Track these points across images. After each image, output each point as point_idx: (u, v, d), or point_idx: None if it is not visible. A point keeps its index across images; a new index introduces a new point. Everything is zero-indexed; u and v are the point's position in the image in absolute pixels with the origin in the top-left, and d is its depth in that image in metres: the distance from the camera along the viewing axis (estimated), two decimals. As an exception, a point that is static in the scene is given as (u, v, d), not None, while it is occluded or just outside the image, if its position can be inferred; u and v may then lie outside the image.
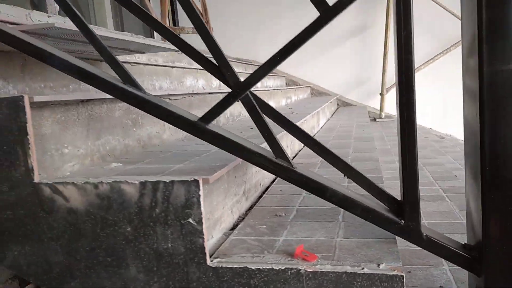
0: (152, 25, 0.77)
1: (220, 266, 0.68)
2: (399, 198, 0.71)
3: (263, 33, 4.99)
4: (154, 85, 1.84)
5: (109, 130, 1.01)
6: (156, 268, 0.70)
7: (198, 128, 0.74)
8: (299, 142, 1.05)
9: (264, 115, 0.75)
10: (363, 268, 0.63)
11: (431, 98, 4.37)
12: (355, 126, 2.59)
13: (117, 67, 0.77)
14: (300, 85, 4.71)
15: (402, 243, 0.97)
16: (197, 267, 0.68)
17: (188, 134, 1.28)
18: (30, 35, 0.81)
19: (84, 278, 0.74)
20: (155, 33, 5.20)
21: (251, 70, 4.70)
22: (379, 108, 4.40)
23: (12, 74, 1.13)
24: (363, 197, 0.72)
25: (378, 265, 0.64)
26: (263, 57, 5.49)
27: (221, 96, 1.37)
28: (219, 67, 0.75)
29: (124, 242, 0.71)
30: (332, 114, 3.73)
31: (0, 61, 1.08)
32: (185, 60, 2.48)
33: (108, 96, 0.95)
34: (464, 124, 0.72)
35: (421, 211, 0.68)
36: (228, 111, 1.84)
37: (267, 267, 0.66)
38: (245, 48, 5.23)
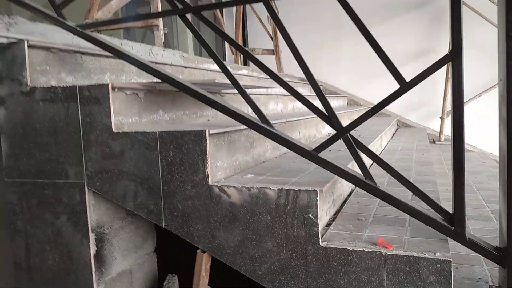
0: (249, 56, 1.18)
1: (328, 246, 1.07)
2: (451, 211, 1.06)
3: (325, 54, 5.36)
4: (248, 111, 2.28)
5: (238, 150, 1.44)
6: (285, 245, 1.11)
7: (313, 155, 1.14)
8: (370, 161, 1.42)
9: (357, 148, 1.14)
10: (424, 254, 0.99)
11: (492, 123, 4.49)
12: (415, 149, 2.89)
13: (256, 109, 1.20)
14: (361, 105, 5.02)
15: (453, 250, 1.31)
16: (313, 246, 1.08)
17: (284, 152, 1.70)
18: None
19: (236, 248, 1.16)
20: (226, 55, 5.77)
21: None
22: (438, 131, 4.60)
23: (165, 106, 1.60)
24: (425, 209, 1.08)
25: (435, 253, 1.00)
26: (326, 76, 5.89)
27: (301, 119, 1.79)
28: (328, 116, 1.15)
29: (265, 226, 1.12)
30: (393, 136, 4.01)
31: (160, 98, 1.56)
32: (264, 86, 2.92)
33: (240, 127, 1.39)
34: (499, 148, 1.04)
35: (467, 223, 1.03)
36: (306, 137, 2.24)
37: (360, 249, 1.04)
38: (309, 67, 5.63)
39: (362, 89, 5.25)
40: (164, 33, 3.03)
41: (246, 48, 5.39)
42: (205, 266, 1.21)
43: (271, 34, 4.92)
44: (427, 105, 5.04)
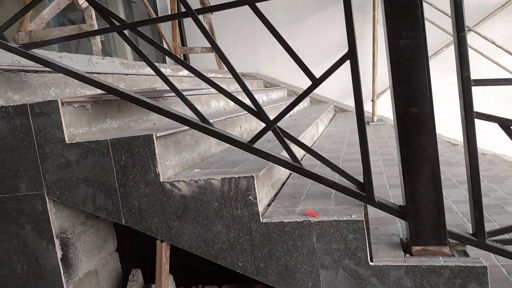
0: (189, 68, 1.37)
1: (268, 222, 1.28)
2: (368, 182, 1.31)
3: (263, 48, 5.60)
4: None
5: (184, 149, 1.61)
6: (232, 225, 1.31)
7: (248, 146, 1.34)
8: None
9: (284, 137, 1.36)
10: (343, 217, 1.23)
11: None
12: (348, 132, 3.20)
13: (195, 110, 1.38)
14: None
15: (374, 214, 1.58)
16: (256, 223, 1.29)
17: (227, 147, 1.89)
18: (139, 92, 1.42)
19: (190, 234, 1.34)
20: (167, 58, 5.82)
21: (256, 83, 5.32)
22: (371, 112, 5.01)
23: (112, 114, 1.73)
24: (343, 182, 1.32)
25: (351, 216, 1.24)
26: (266, 70, 6.16)
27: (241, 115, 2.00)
28: (257, 112, 1.36)
29: (213, 212, 1.31)
30: (330, 121, 4.34)
31: (106, 107, 1.69)
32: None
33: (183, 128, 1.56)
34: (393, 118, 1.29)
35: (390, 191, 1.28)
36: (245, 133, 2.44)
37: (293, 220, 1.26)
38: (246, 62, 5.86)
39: (300, 80, 5.55)
40: (101, 40, 3.10)
41: (185, 47, 5.50)
42: (165, 254, 1.38)
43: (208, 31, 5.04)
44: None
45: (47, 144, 1.40)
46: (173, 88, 1.39)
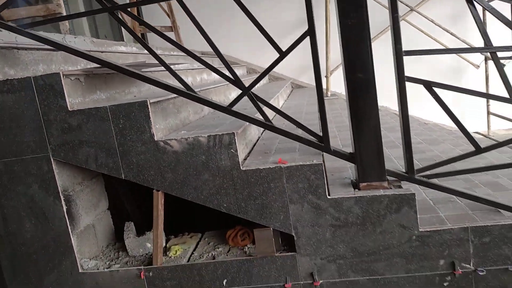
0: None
1: (247, 169, 1.59)
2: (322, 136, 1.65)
3: (222, 27, 5.80)
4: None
5: (169, 115, 1.87)
6: (217, 174, 1.60)
7: (228, 109, 1.63)
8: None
9: (257, 101, 1.66)
10: (306, 162, 1.57)
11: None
12: (305, 104, 3.55)
13: (181, 81, 1.64)
14: (259, 72, 5.62)
15: (332, 165, 1.93)
16: (237, 171, 1.59)
17: (203, 116, 2.17)
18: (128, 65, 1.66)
19: (182, 183, 1.62)
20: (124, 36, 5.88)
21: (216, 61, 5.53)
22: (325, 88, 5.42)
23: (101, 87, 1.95)
24: (306, 136, 1.65)
25: (312, 161, 1.58)
26: (225, 48, 6.36)
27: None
28: (235, 80, 1.65)
29: (201, 163, 1.60)
30: (288, 96, 4.69)
31: (96, 80, 1.91)
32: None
33: (170, 96, 1.82)
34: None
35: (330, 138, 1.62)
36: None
37: (267, 167, 1.58)
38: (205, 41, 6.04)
39: (259, 58, 5.84)
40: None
41: (144, 26, 5.58)
42: (160, 201, 1.66)
43: (167, 11, 5.16)
44: (311, 68, 5.83)
45: (51, 112, 1.61)
46: (162, 62, 1.64)
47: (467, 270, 1.51)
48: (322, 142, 1.62)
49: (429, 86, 1.56)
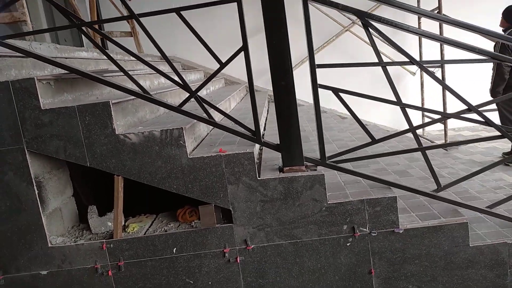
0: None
1: (193, 157, 1.98)
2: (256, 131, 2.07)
3: (179, 32, 6.15)
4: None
5: (128, 114, 2.23)
6: (169, 161, 1.98)
7: (178, 109, 2.02)
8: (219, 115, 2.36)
9: (203, 102, 2.05)
10: (241, 151, 1.98)
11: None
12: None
13: (138, 85, 2.02)
14: (216, 77, 6.01)
15: (265, 158, 2.36)
16: (185, 158, 1.98)
17: (158, 115, 2.56)
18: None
19: (139, 169, 1.99)
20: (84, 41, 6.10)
21: (175, 66, 5.88)
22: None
23: (68, 90, 2.28)
24: (242, 131, 2.06)
25: (246, 150, 1.99)
26: (182, 53, 6.73)
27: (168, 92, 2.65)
28: (183, 85, 2.04)
29: (155, 153, 1.97)
30: (242, 99, 5.11)
31: (63, 84, 2.23)
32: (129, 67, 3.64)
33: (129, 97, 2.18)
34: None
35: (261, 133, 2.04)
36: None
37: (210, 155, 1.98)
38: (164, 45, 6.37)
39: (215, 64, 6.22)
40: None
41: (104, 31, 5.84)
42: (120, 184, 2.01)
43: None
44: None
45: (26, 110, 1.93)
46: (121, 68, 2.01)
47: (364, 232, 1.98)
48: (254, 135, 2.04)
49: (336, 92, 2.03)
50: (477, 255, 1.98)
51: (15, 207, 2.02)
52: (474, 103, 1.98)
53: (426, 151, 2.05)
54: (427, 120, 6.31)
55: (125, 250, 2.05)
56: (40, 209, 2.03)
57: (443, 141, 5.56)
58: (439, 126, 5.95)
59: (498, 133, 2.00)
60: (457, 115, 2.01)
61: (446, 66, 5.37)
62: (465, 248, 1.97)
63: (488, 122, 1.96)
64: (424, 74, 6.21)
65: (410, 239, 1.98)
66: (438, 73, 5.65)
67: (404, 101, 2.04)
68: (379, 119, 6.43)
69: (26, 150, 1.97)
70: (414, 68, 6.31)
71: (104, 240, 2.06)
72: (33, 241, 2.05)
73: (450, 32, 3.36)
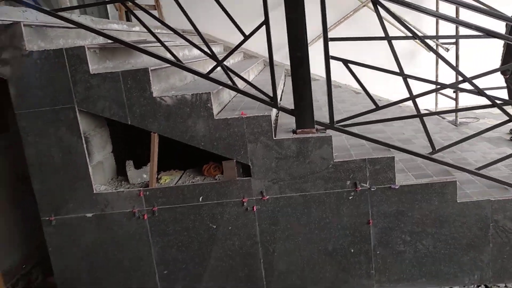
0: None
1: (218, 118, 2.31)
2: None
3: (198, 7, 6.40)
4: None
5: (162, 80, 2.56)
6: (198, 121, 2.32)
7: (206, 76, 2.35)
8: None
9: (228, 71, 2.37)
10: (261, 114, 2.30)
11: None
12: (272, 78, 4.27)
13: (173, 54, 2.34)
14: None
15: (281, 124, 2.69)
16: (212, 119, 2.31)
17: (186, 83, 2.90)
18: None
19: (172, 128, 2.33)
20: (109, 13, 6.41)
21: (196, 39, 6.17)
22: (294, 66, 6.13)
23: (110, 58, 2.62)
24: (262, 97, 2.37)
25: (265, 113, 2.31)
26: (201, 28, 6.99)
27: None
28: (211, 55, 2.35)
29: (186, 114, 2.31)
30: (259, 72, 5.40)
31: (106, 52, 2.57)
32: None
33: (163, 65, 2.51)
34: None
35: (279, 100, 2.36)
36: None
37: (233, 117, 2.31)
38: (185, 19, 6.65)
39: (234, 37, 6.48)
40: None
41: (128, 4, 6.13)
42: (156, 140, 2.37)
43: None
44: (285, 47, 6.54)
45: (77, 74, 2.28)
46: (159, 41, 2.33)
47: (364, 188, 2.31)
48: (272, 101, 2.36)
49: (345, 63, 2.32)
50: (463, 210, 2.29)
51: (67, 158, 2.39)
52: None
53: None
54: (440, 98, 6.53)
55: (159, 198, 2.42)
56: (88, 160, 2.40)
57: (454, 117, 5.80)
58: (451, 103, 6.16)
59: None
60: (452, 86, 2.29)
61: (465, 46, 5.53)
62: (453, 204, 2.28)
63: (480, 92, 2.24)
64: (440, 50, 6.37)
65: (404, 194, 2.29)
66: (452, 50, 5.81)
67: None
68: (394, 97, 6.63)
69: (76, 109, 2.33)
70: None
71: (141, 189, 2.43)
72: (81, 188, 2.43)
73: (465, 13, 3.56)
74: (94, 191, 2.44)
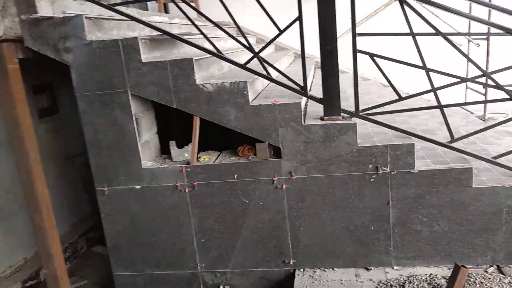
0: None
1: (253, 105, 2.57)
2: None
3: (234, 1, 6.65)
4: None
5: (203, 69, 2.84)
6: (236, 107, 2.58)
7: (243, 66, 2.60)
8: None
9: (263, 62, 2.61)
10: (291, 101, 2.54)
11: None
12: (303, 70, 4.49)
13: (214, 45, 2.61)
14: (266, 42, 6.52)
15: (311, 112, 2.92)
16: (248, 105, 2.56)
17: (223, 72, 3.19)
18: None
19: (211, 111, 2.61)
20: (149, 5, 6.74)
21: (230, 30, 6.44)
22: (324, 59, 6.31)
23: (157, 48, 2.91)
24: (293, 86, 2.61)
25: (295, 101, 2.55)
26: (236, 19, 7.26)
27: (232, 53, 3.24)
28: (249, 47, 2.61)
29: (225, 99, 2.57)
30: (290, 64, 5.62)
31: (154, 43, 2.86)
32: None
33: (205, 56, 2.79)
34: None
35: (309, 89, 2.59)
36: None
37: (266, 103, 2.56)
38: (219, 11, 6.93)
39: (267, 29, 6.70)
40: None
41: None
42: (198, 123, 2.65)
43: (190, -15, 6.00)
44: (316, 39, 6.72)
45: (130, 63, 2.58)
46: (202, 33, 2.60)
47: (385, 171, 2.52)
48: (302, 90, 2.59)
49: (372, 56, 2.52)
50: (478, 195, 2.46)
51: (120, 136, 2.71)
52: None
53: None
54: (470, 93, 6.55)
55: (199, 174, 2.71)
56: (137, 139, 2.72)
57: (483, 112, 5.84)
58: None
59: None
60: (473, 80, 2.45)
61: (497, 43, 5.56)
62: (468, 189, 2.46)
63: (498, 86, 2.40)
64: (471, 46, 6.39)
65: (423, 178, 2.49)
66: (483, 45, 5.84)
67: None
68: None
69: (129, 93, 2.64)
70: (460, 40, 6.48)
71: (183, 165, 2.73)
72: (131, 163, 2.75)
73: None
74: (142, 166, 2.76)
